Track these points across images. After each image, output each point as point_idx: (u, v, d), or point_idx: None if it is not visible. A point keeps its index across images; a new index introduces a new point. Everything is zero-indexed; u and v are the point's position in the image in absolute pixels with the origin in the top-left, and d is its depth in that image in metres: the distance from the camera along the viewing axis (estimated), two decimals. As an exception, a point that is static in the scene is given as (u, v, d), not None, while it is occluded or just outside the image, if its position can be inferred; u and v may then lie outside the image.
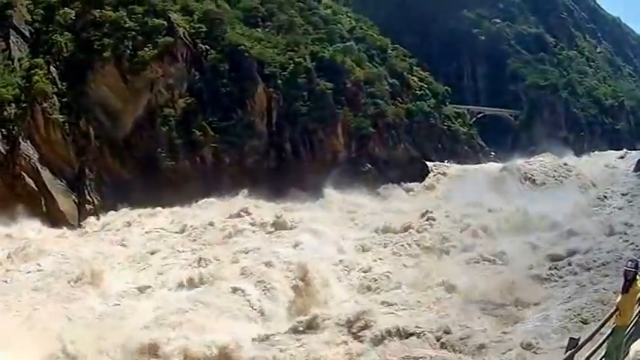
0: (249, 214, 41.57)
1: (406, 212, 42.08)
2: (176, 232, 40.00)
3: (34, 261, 33.93)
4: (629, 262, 9.97)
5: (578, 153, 73.78)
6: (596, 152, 78.63)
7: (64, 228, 41.91)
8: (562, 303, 24.26)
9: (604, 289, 24.19)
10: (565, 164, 55.62)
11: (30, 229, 40.31)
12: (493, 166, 59.28)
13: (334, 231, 38.21)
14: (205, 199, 44.97)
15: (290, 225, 39.46)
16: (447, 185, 52.62)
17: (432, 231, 37.18)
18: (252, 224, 39.84)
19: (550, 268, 28.56)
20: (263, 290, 28.29)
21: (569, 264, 28.64)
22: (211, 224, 39.88)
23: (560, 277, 27.63)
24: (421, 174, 54.88)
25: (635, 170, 55.28)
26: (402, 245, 35.37)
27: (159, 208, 43.68)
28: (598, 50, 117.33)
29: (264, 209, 42.84)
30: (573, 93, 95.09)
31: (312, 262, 29.81)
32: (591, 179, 52.15)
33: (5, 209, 40.13)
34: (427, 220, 38.79)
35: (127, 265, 34.15)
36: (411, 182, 53.12)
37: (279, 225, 39.41)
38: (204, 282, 30.05)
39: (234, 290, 28.05)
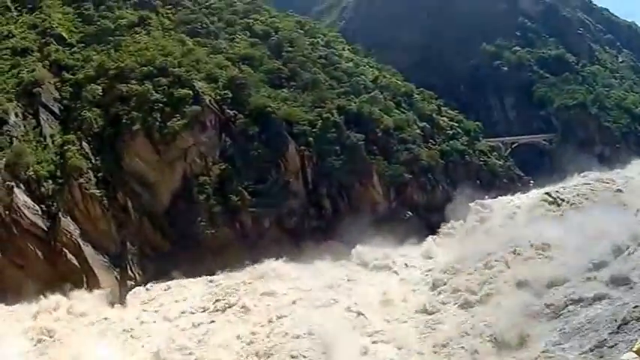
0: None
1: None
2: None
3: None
4: None
5: (615, 166, 70.57)
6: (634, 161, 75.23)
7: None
8: None
9: None
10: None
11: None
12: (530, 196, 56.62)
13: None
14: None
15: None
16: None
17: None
18: None
19: None
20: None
21: None
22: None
23: None
24: (462, 214, 52.05)
25: None
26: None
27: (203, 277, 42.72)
28: (620, 60, 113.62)
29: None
30: (602, 107, 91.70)
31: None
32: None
33: (48, 286, 39.42)
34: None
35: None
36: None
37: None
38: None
39: None
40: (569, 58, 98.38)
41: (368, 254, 44.25)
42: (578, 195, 49.59)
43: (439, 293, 36.83)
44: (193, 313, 38.77)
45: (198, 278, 42.97)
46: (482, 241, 43.05)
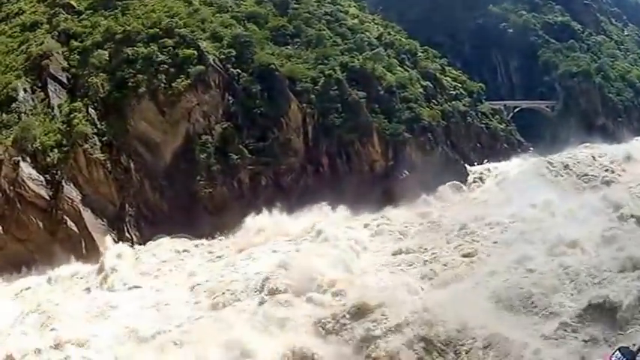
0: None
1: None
2: None
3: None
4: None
5: (618, 140, 68.23)
6: (637, 138, 72.66)
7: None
8: None
9: None
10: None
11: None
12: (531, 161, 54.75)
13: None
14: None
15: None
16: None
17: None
18: None
19: None
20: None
21: None
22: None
23: None
24: (460, 177, 50.64)
25: None
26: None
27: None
28: (625, 33, 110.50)
29: None
30: (606, 78, 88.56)
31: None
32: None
33: (47, 254, 38.97)
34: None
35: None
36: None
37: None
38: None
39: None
40: (575, 25, 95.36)
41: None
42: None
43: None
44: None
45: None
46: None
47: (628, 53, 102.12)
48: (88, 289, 36.43)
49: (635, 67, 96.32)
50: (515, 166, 54.30)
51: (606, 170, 49.60)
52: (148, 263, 38.96)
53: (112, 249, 40.41)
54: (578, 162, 51.34)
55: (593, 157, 53.24)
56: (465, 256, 32.54)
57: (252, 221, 42.55)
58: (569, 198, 40.50)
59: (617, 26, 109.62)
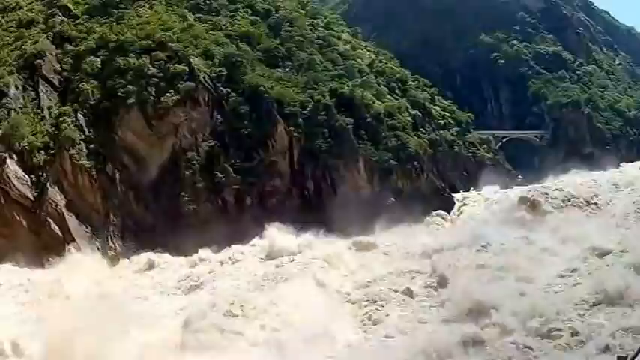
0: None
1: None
2: None
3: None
4: None
5: (605, 168, 68.23)
6: (622, 164, 72.72)
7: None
8: None
9: None
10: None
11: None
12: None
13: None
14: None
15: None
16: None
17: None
18: None
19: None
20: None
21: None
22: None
23: None
24: (446, 205, 50.27)
25: None
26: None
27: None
28: (616, 62, 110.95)
29: None
30: (595, 108, 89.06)
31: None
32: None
33: (30, 256, 38.72)
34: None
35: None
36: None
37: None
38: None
39: None
40: (565, 55, 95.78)
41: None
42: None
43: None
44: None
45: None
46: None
47: (618, 82, 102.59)
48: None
49: (625, 97, 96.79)
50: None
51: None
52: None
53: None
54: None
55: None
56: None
57: None
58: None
59: (609, 55, 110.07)
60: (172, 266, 40.90)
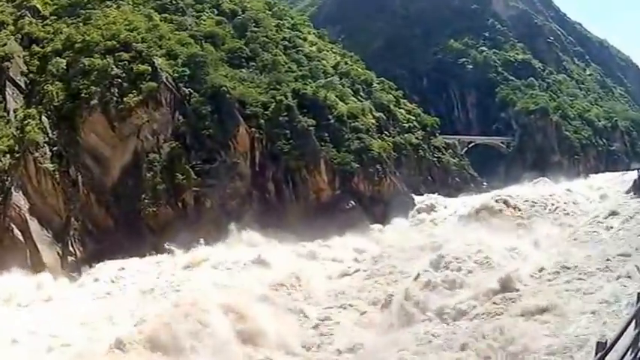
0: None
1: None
2: None
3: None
4: None
5: (573, 177, 69.04)
6: (591, 175, 73.65)
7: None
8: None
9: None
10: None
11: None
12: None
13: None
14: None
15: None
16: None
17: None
18: None
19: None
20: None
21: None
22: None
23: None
24: (408, 210, 50.37)
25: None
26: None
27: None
28: (587, 73, 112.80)
29: None
30: (565, 116, 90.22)
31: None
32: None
33: None
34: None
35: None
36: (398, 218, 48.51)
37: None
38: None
39: None
40: (535, 64, 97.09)
41: None
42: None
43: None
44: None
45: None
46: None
47: (589, 92, 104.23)
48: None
49: (595, 106, 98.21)
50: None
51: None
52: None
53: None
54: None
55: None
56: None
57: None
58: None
59: (580, 66, 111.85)
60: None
